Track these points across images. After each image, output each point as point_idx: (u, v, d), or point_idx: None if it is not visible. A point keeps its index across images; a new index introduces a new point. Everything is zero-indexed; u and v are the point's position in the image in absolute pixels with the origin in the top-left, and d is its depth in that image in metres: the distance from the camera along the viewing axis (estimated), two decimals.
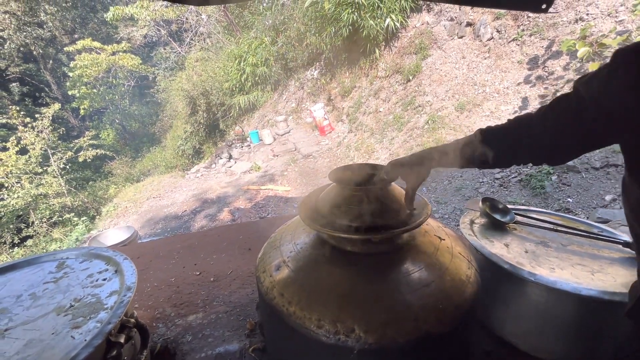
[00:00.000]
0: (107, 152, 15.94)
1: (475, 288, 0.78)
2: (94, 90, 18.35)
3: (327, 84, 8.28)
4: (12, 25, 17.16)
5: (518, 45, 4.55)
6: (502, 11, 4.87)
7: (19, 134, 10.49)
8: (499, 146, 0.75)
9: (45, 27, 19.33)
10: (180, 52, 18.57)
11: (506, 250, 1.03)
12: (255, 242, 1.73)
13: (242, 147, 8.13)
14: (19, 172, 9.84)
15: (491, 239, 1.10)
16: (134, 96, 20.80)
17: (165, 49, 20.29)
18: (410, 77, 5.79)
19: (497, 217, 1.17)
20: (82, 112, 18.71)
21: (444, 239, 0.89)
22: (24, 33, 18.23)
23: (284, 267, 0.84)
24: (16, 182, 9.54)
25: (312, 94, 8.86)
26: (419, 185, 0.83)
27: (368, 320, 0.68)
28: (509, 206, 1.26)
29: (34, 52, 19.76)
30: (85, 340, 0.74)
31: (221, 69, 11.52)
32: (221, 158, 7.78)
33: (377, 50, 6.81)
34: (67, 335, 0.78)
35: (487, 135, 0.78)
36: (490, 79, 4.64)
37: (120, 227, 2.81)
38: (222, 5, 13.33)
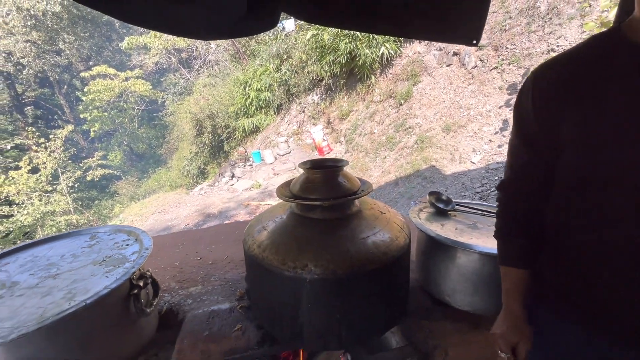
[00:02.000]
0: (115, 172, 16.42)
1: (401, 244, 1.05)
2: (105, 114, 19.17)
3: (326, 107, 8.75)
4: (32, 53, 18.21)
5: (499, 72, 4.96)
6: (484, 42, 5.33)
7: (32, 154, 10.98)
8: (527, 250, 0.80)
9: (62, 54, 20.48)
10: (189, 78, 19.51)
11: (440, 228, 1.30)
12: None
13: (244, 166, 8.49)
14: (29, 190, 10.23)
15: (432, 222, 1.37)
16: (142, 119, 21.61)
17: (174, 75, 21.31)
18: (402, 102, 6.21)
19: (440, 205, 1.45)
20: (92, 134, 19.45)
21: (384, 213, 1.18)
22: (43, 60, 19.30)
23: (263, 230, 1.12)
24: (27, 200, 9.90)
25: (312, 117, 9.33)
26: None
27: (317, 260, 0.95)
28: (454, 200, 1.54)
29: (51, 78, 20.84)
30: (115, 279, 1.02)
31: (227, 93, 12.15)
32: (224, 177, 8.13)
33: (372, 77, 7.30)
34: (103, 276, 1.06)
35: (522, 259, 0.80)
36: (474, 103, 5.01)
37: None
38: None
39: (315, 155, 8.01)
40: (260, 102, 11.05)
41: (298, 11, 1.45)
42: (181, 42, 18.32)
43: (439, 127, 5.09)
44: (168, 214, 6.17)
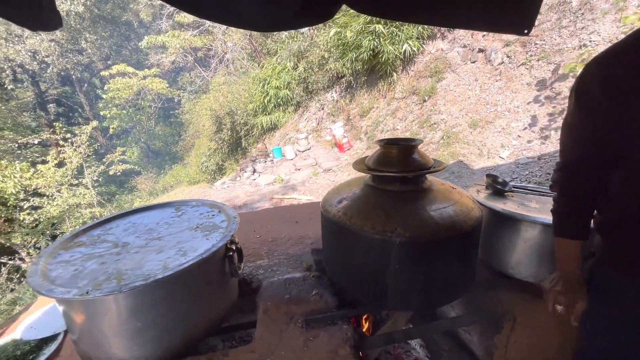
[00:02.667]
0: (135, 167, 16.85)
1: (477, 215, 1.13)
2: (123, 112, 19.70)
3: (346, 105, 8.83)
4: (56, 52, 18.82)
5: (527, 69, 4.95)
6: (512, 38, 5.32)
7: (58, 149, 11.39)
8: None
9: (84, 53, 21.11)
10: (205, 77, 19.85)
11: (503, 205, 1.37)
12: (300, 217, 2.11)
13: (265, 162, 8.65)
14: (56, 184, 10.63)
15: (491, 201, 1.44)
16: (159, 117, 22.09)
17: (190, 74, 21.72)
18: (426, 98, 6.24)
19: (498, 186, 1.52)
20: (111, 131, 19.99)
21: (455, 189, 1.26)
22: (66, 59, 19.93)
23: (344, 201, 1.22)
24: (56, 192, 10.29)
25: (331, 114, 9.41)
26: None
27: (406, 224, 1.04)
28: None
29: (73, 76, 21.51)
30: (216, 240, 1.13)
31: (246, 91, 12.35)
32: (246, 171, 8.30)
33: (394, 74, 7.34)
34: (203, 239, 1.17)
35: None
36: (501, 99, 5.01)
37: None
38: (249, 34, 14.45)
39: (335, 152, 8.10)
40: (279, 100, 11.19)
41: (357, 2, 1.53)
42: (198, 41, 18.70)
43: (465, 123, 5.11)
44: None
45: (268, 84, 11.26)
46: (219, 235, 1.18)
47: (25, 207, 9.64)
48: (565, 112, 0.93)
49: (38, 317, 1.31)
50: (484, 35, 5.87)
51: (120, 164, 13.86)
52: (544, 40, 4.78)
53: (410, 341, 1.54)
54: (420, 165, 1.19)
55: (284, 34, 15.11)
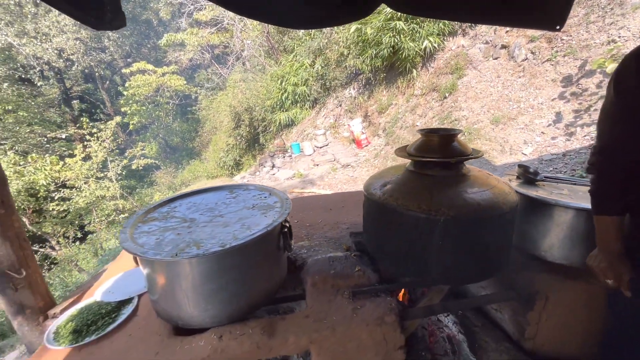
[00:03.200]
0: (156, 162, 17.35)
1: (514, 199, 1.23)
2: (143, 108, 20.27)
3: (364, 101, 8.88)
4: (81, 50, 19.50)
5: (552, 65, 4.91)
6: (537, 34, 5.27)
7: (85, 143, 11.88)
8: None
9: (107, 51, 21.79)
10: (222, 74, 20.19)
11: (536, 192, 1.45)
12: (333, 206, 2.24)
13: (284, 157, 8.82)
14: (83, 177, 11.12)
15: (525, 189, 1.52)
16: (176, 113, 22.63)
17: (207, 71, 22.13)
18: (447, 95, 6.25)
19: (530, 176, 1.60)
20: (131, 127, 20.60)
21: (491, 175, 1.35)
22: (90, 57, 20.62)
23: (389, 184, 1.33)
24: (84, 184, 10.77)
25: (349, 110, 9.49)
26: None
27: (450, 205, 1.15)
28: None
29: (96, 74, 22.26)
30: (276, 217, 1.27)
31: (264, 87, 12.55)
32: (265, 166, 8.49)
33: (414, 71, 7.36)
34: (262, 216, 1.31)
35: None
36: (524, 96, 4.99)
37: None
38: (266, 31, 14.63)
39: (353, 148, 8.18)
40: (296, 97, 11.35)
41: (395, 1, 1.62)
42: (215, 38, 19.04)
43: (486, 119, 5.12)
44: None
45: (286, 80, 11.43)
46: (276, 213, 1.31)
47: (55, 198, 10.13)
48: (602, 102, 1.01)
49: (112, 284, 1.47)
50: (507, 32, 5.82)
51: (142, 158, 14.36)
52: (571, 35, 4.73)
53: (443, 319, 1.65)
54: (460, 152, 1.29)
55: (301, 31, 15.23)
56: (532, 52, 5.26)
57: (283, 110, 11.73)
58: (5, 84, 13.99)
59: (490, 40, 6.17)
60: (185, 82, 20.29)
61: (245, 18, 16.80)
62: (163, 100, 20.71)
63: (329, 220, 2.03)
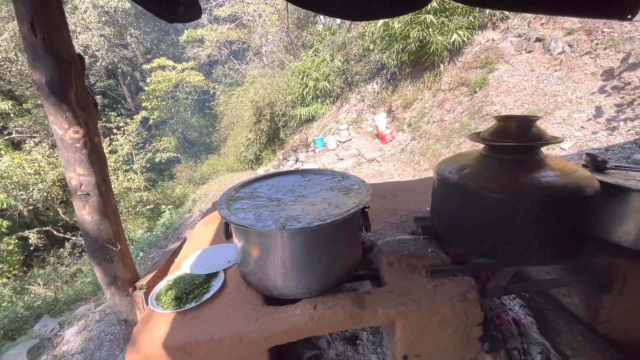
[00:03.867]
0: (179, 155, 17.75)
1: (596, 184, 1.25)
2: (163, 103, 20.73)
3: (388, 96, 8.86)
4: (105, 47, 20.04)
5: (592, 58, 4.79)
6: (575, 27, 5.14)
7: (111, 137, 12.28)
8: None
9: (129, 48, 22.33)
10: (239, 70, 20.40)
11: (609, 179, 1.47)
12: (386, 194, 2.29)
13: (307, 151, 8.91)
14: (110, 169, 11.54)
15: (599, 176, 1.54)
16: (194, 109, 23.05)
17: (224, 67, 22.40)
18: (477, 89, 6.17)
19: (599, 164, 1.61)
20: (151, 121, 21.10)
21: (569, 162, 1.38)
22: (113, 53, 21.18)
23: (467, 168, 1.38)
24: (112, 175, 11.18)
25: (372, 105, 9.48)
26: None
27: (534, 187, 1.18)
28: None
29: (118, 70, 22.86)
30: (361, 196, 1.33)
31: (285, 82, 12.65)
32: (288, 160, 8.60)
33: (441, 65, 7.29)
34: (345, 196, 1.38)
35: None
36: (561, 90, 4.89)
37: None
38: (285, 27, 14.71)
39: (377, 143, 8.18)
40: (317, 92, 11.40)
41: None
42: (234, 34, 19.24)
43: (520, 114, 5.04)
44: None
45: (307, 76, 11.49)
46: (358, 194, 1.38)
47: None
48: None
49: (195, 259, 1.58)
50: (542, 24, 5.70)
51: (165, 152, 14.74)
52: (613, 28, 4.60)
53: (507, 302, 1.69)
54: (539, 137, 1.32)
55: (320, 27, 15.23)
56: (570, 45, 5.14)
57: (304, 106, 11.81)
58: None
59: (523, 34, 6.05)
60: (204, 77, 20.63)
61: (264, 14, 16.92)
62: (182, 96, 21.11)
63: (385, 207, 2.08)
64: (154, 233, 7.46)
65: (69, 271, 9.04)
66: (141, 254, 5.75)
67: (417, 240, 1.58)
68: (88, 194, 1.41)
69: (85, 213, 1.44)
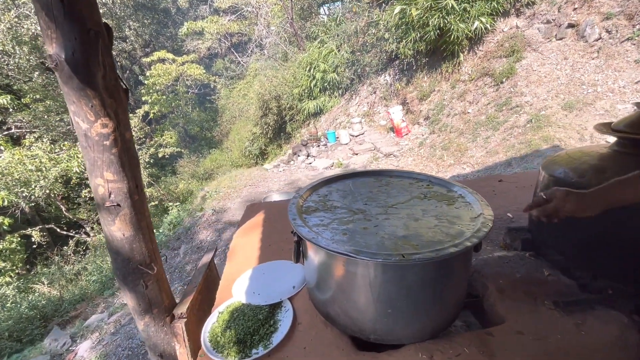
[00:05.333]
0: (182, 150, 17.41)
1: None
2: (163, 97, 20.28)
3: (402, 88, 8.50)
4: None
5: (634, 44, 4.45)
6: (613, 11, 4.79)
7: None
8: None
9: (127, 41, 21.81)
10: (240, 62, 19.96)
11: None
12: None
13: (318, 146, 8.58)
14: None
15: None
16: (195, 103, 22.62)
17: (224, 60, 21.95)
18: (503, 80, 5.83)
19: None
20: (151, 115, 20.68)
21: None
22: (112, 46, 20.67)
23: (591, 170, 1.08)
24: None
25: (384, 98, 9.13)
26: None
27: None
28: None
29: (117, 63, 22.34)
30: (475, 210, 1.03)
31: (291, 74, 12.26)
32: (299, 156, 8.28)
33: (461, 55, 6.93)
34: (452, 208, 1.07)
35: None
36: (601, 79, 4.56)
37: (281, 193, 3.27)
38: (289, 18, 14.24)
39: (392, 137, 7.85)
40: (325, 84, 11.02)
41: None
42: (234, 26, 18.78)
43: (556, 105, 4.72)
44: (259, 187, 6.44)
45: (314, 67, 11.10)
46: (470, 205, 1.08)
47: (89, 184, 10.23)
48: None
49: (249, 284, 1.28)
50: (575, 9, 5.34)
51: (168, 147, 14.41)
52: None
53: None
54: None
55: (326, 17, 14.77)
56: (608, 31, 4.80)
57: (311, 99, 11.44)
58: (36, 73, 14.16)
59: (553, 20, 5.69)
60: (204, 71, 20.21)
61: (266, 5, 16.43)
62: (182, 90, 20.69)
63: None
64: (162, 232, 7.16)
65: (74, 269, 8.79)
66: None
67: (522, 259, 1.28)
68: (119, 205, 1.10)
69: (116, 229, 1.13)
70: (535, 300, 1.11)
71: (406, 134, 7.63)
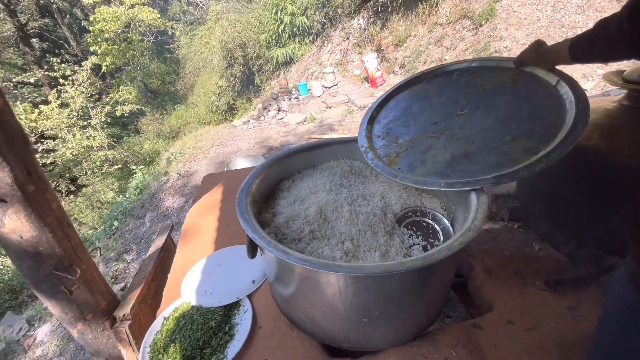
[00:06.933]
0: (142, 107, 16.08)
1: None
2: (115, 47, 18.06)
3: (377, 33, 7.92)
4: None
5: None
6: None
7: (59, 88, 10.60)
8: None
9: None
10: (199, 5, 17.88)
11: None
12: None
13: (289, 99, 8.05)
14: (64, 126, 10.16)
15: None
16: (152, 53, 20.44)
17: (180, 2, 19.61)
18: (483, 22, 5.47)
19: None
20: (104, 69, 18.55)
21: None
22: None
23: (606, 127, 0.91)
24: (67, 133, 9.87)
25: (357, 44, 8.53)
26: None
27: None
28: None
29: (53, 5, 19.30)
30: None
31: (256, 19, 11.11)
32: (270, 110, 7.77)
33: None
34: None
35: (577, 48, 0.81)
36: (581, 20, 4.34)
37: (247, 157, 2.96)
38: None
39: (367, 88, 7.47)
40: (295, 29, 10.11)
41: None
42: None
43: None
44: (227, 147, 6.02)
45: (282, 10, 10.06)
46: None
47: (39, 150, 9.32)
48: None
49: (201, 279, 1.07)
50: None
51: (126, 104, 13.20)
52: None
53: None
54: None
55: None
56: None
57: (280, 46, 10.54)
58: None
59: None
60: (159, 15, 17.99)
61: None
62: (136, 38, 18.48)
63: None
64: (128, 197, 6.72)
65: None
66: (116, 223, 5.14)
67: (510, 232, 1.15)
68: (3, 200, 0.81)
69: (8, 230, 0.86)
70: (524, 280, 0.99)
71: (381, 84, 7.27)
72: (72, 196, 10.20)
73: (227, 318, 0.94)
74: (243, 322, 0.92)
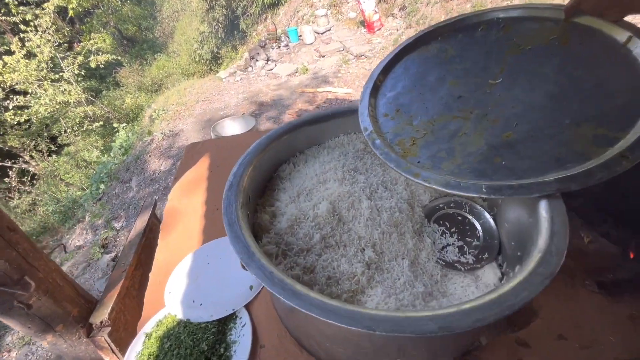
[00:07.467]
0: (118, 57, 14.88)
1: None
2: None
3: None
4: None
5: None
6: None
7: (21, 35, 9.53)
8: None
9: None
10: None
11: None
12: None
13: (279, 47, 7.38)
14: (34, 80, 9.34)
15: None
16: None
17: None
18: None
19: None
20: (71, 12, 16.67)
21: None
22: None
23: None
24: (38, 87, 9.11)
25: None
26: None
27: None
28: None
29: None
30: None
31: None
32: (258, 60, 7.15)
33: None
34: None
35: None
36: None
37: (236, 118, 2.63)
38: None
39: (363, 33, 6.83)
40: None
41: None
42: None
43: None
44: (214, 102, 5.58)
45: None
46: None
47: (10, 107, 8.67)
48: None
49: (187, 286, 0.90)
50: None
51: (100, 53, 12.11)
52: None
53: None
54: None
55: None
56: None
57: None
58: None
59: None
60: None
61: None
62: None
63: None
64: (113, 157, 6.39)
65: (25, 201, 8.10)
66: (102, 186, 4.90)
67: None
68: None
69: None
70: (572, 279, 0.84)
71: (379, 29, 6.65)
72: (54, 156, 9.77)
73: (221, 335, 0.78)
74: (241, 340, 0.76)
